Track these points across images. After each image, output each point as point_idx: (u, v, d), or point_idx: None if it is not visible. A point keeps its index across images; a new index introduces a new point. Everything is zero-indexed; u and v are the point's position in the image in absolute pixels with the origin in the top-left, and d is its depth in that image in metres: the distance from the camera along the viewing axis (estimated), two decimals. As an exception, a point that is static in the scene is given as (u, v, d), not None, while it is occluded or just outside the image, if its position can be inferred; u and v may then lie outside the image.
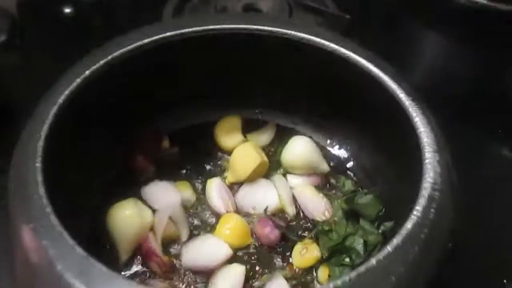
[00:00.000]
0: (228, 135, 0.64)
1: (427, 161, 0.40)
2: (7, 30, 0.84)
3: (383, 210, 0.56)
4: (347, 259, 0.52)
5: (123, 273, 0.52)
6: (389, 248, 0.35)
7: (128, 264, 0.53)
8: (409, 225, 0.36)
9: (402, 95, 0.45)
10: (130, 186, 0.59)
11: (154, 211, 0.56)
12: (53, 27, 0.88)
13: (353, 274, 0.33)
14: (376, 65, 0.48)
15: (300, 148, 0.60)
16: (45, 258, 0.35)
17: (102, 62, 0.47)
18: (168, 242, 0.55)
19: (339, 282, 0.33)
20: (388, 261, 0.34)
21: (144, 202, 0.57)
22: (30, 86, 0.74)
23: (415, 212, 0.37)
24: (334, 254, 0.53)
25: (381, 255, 0.34)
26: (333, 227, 0.55)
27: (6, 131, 0.67)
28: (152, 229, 0.54)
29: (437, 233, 0.37)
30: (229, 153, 0.63)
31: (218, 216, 0.58)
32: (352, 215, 0.56)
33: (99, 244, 0.54)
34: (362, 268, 0.34)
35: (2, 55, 0.81)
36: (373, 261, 0.34)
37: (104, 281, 0.33)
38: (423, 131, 0.42)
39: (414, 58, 0.89)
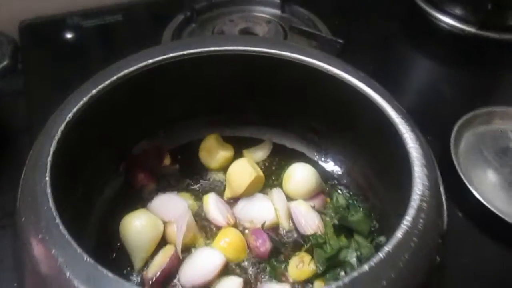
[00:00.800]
0: (210, 155, 0.66)
1: (416, 174, 0.43)
2: (9, 55, 0.87)
3: (376, 225, 0.58)
4: (342, 273, 0.54)
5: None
6: (380, 255, 0.37)
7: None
8: (399, 234, 0.38)
9: (392, 113, 0.48)
10: (132, 200, 0.61)
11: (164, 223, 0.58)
12: (55, 52, 0.90)
13: (346, 279, 0.35)
14: (368, 85, 0.51)
15: (301, 178, 0.62)
16: (55, 266, 0.36)
17: (107, 81, 0.50)
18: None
19: (333, 286, 0.35)
20: (380, 267, 0.36)
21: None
22: (30, 111, 0.76)
23: (405, 222, 0.39)
24: (330, 268, 0.55)
25: (373, 261, 0.37)
26: (327, 240, 0.57)
27: (6, 154, 0.70)
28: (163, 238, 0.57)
29: (425, 242, 0.39)
30: (225, 169, 0.65)
31: (218, 228, 0.60)
32: (346, 229, 0.58)
33: (107, 252, 0.56)
34: (355, 273, 0.36)
35: (4, 80, 0.84)
36: (365, 267, 0.36)
37: (111, 287, 0.35)
38: (412, 147, 0.45)
39: (404, 80, 0.92)
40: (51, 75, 0.85)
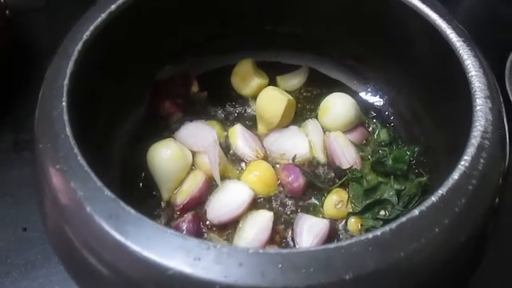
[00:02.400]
0: (244, 81, 0.61)
1: (478, 107, 0.37)
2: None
3: (423, 161, 0.53)
4: (382, 212, 0.50)
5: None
6: (433, 198, 0.32)
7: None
8: (456, 175, 0.33)
9: (452, 35, 0.41)
10: (158, 129, 0.58)
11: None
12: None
13: (394, 224, 0.31)
14: (423, 1, 0.44)
15: (339, 109, 0.57)
16: (74, 199, 0.34)
17: (127, -4, 0.44)
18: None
19: (378, 233, 0.31)
20: (432, 212, 0.32)
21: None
22: (54, 29, 0.72)
23: (463, 162, 0.34)
24: (368, 208, 0.51)
25: (424, 205, 0.32)
26: (364, 174, 0.53)
27: (30, 75, 0.67)
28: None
29: (485, 186, 0.34)
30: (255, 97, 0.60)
31: (248, 161, 0.56)
32: (384, 167, 0.54)
33: (133, 182, 0.54)
34: (403, 219, 0.32)
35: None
36: (415, 211, 0.32)
37: (133, 224, 0.32)
38: (474, 75, 0.39)
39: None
40: None
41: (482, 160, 0.34)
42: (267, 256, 0.30)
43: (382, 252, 0.30)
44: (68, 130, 0.36)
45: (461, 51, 0.40)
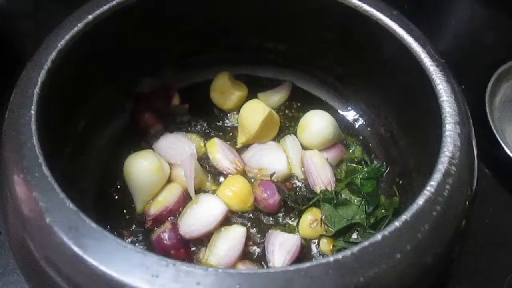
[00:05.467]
0: (223, 95, 0.61)
1: (447, 133, 0.37)
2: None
3: (398, 181, 0.54)
4: (354, 235, 0.50)
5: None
6: (396, 223, 0.32)
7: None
8: (420, 200, 0.33)
9: (426, 60, 0.42)
10: (137, 140, 0.58)
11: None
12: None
13: (356, 248, 0.31)
14: (400, 26, 0.45)
15: (318, 127, 0.57)
16: (35, 210, 0.33)
17: (105, 7, 0.44)
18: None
19: (340, 256, 0.31)
20: (395, 237, 0.32)
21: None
22: (41, 33, 0.72)
23: (428, 187, 0.34)
24: (341, 232, 0.51)
25: (387, 230, 0.32)
26: (335, 194, 0.53)
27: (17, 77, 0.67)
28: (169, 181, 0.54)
29: (450, 212, 0.34)
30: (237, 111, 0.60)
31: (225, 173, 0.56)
32: (357, 186, 0.54)
33: (109, 193, 0.54)
34: (366, 243, 0.32)
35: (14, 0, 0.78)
36: (378, 236, 0.32)
37: (93, 237, 0.32)
38: (445, 100, 0.39)
39: (440, 20, 0.83)
40: None
41: (447, 186, 0.34)
42: (226, 276, 0.30)
43: (341, 276, 0.30)
44: (34, 139, 0.36)
45: (433, 76, 0.40)
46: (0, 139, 0.39)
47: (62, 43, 0.42)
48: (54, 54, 0.41)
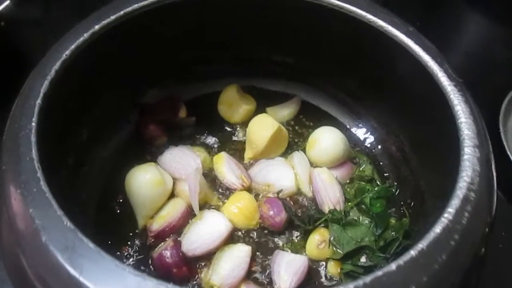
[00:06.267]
0: (230, 108, 0.60)
1: (465, 157, 0.35)
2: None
3: (410, 203, 0.52)
4: (363, 259, 0.48)
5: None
6: (412, 252, 0.30)
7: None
8: (438, 228, 0.31)
9: (443, 79, 0.40)
10: (142, 152, 0.57)
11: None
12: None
13: (368, 278, 0.29)
14: (417, 43, 0.43)
15: (327, 145, 0.55)
16: (31, 227, 0.32)
17: (112, 17, 0.43)
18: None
19: (351, 286, 0.29)
20: (410, 267, 0.30)
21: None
22: (48, 41, 0.71)
23: (446, 215, 0.32)
24: (349, 255, 0.49)
25: (402, 259, 0.30)
26: (344, 215, 0.51)
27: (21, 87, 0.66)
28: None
29: (468, 240, 0.32)
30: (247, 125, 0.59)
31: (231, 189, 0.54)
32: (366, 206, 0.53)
33: (111, 206, 0.52)
34: (379, 273, 0.30)
35: (20, 7, 0.78)
36: (393, 266, 0.30)
37: (90, 258, 0.30)
38: (464, 122, 0.37)
39: (453, 39, 0.81)
40: (71, 2, 0.78)
41: (466, 214, 0.32)
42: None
43: (352, 308, 0.28)
44: (33, 153, 0.35)
45: (451, 96, 0.39)
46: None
47: (66, 53, 0.41)
48: (58, 64, 0.40)
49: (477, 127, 0.37)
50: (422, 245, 0.31)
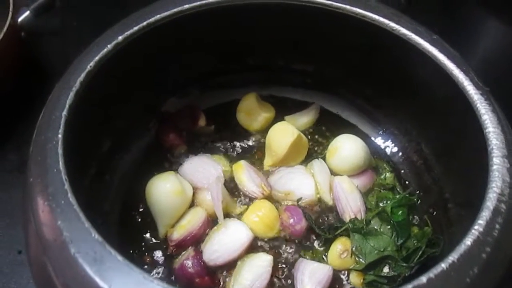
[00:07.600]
0: (249, 116, 0.60)
1: (494, 167, 0.35)
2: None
3: (433, 212, 0.51)
4: (386, 269, 0.48)
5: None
6: (443, 265, 0.30)
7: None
8: (468, 241, 0.31)
9: (470, 87, 0.39)
10: (161, 161, 0.57)
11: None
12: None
13: (398, 292, 0.29)
14: (441, 50, 0.42)
15: (348, 152, 0.54)
16: (59, 240, 0.32)
17: (135, 28, 0.43)
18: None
19: (381, 300, 0.28)
20: (441, 281, 0.29)
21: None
22: (68, 52, 0.72)
23: (476, 227, 0.32)
24: (371, 266, 0.49)
25: (433, 273, 0.30)
26: (365, 224, 0.51)
27: (43, 96, 0.67)
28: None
29: (501, 253, 0.32)
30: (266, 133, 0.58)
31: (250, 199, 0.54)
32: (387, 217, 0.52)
33: (132, 215, 0.52)
34: (409, 286, 0.29)
35: (41, 18, 0.79)
36: (423, 279, 0.29)
37: (118, 270, 0.30)
38: (492, 132, 0.37)
39: (473, 46, 0.80)
40: (90, 13, 0.77)
41: (497, 226, 0.32)
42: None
43: (383, 323, 0.28)
44: (61, 164, 0.35)
45: (478, 105, 0.38)
46: (27, 163, 0.38)
47: (91, 64, 0.41)
48: (83, 76, 0.40)
49: (506, 136, 0.37)
50: (453, 257, 0.30)
